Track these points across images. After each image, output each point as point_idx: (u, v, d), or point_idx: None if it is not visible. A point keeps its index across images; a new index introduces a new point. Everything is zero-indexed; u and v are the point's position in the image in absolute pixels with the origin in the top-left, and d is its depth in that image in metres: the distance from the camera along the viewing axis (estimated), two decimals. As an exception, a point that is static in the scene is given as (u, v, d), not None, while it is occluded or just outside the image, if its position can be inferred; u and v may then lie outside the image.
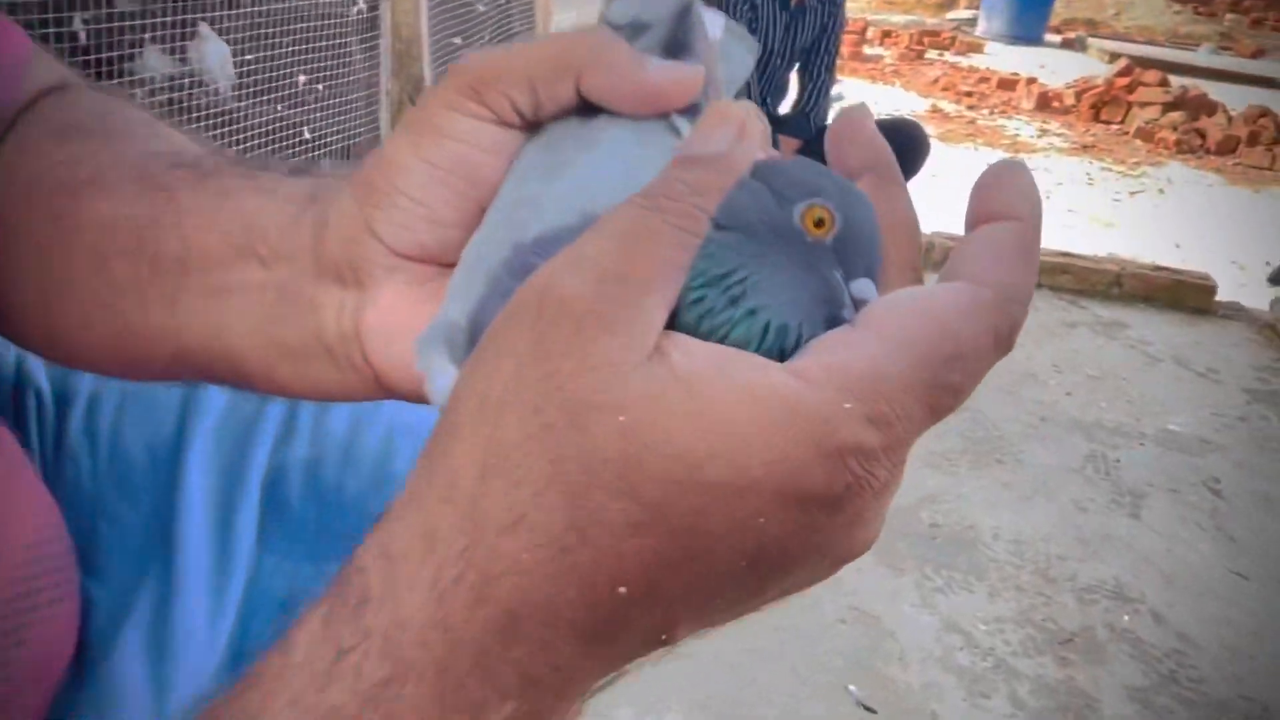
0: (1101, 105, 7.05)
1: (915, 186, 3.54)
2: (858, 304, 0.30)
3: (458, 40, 2.88)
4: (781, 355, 0.29)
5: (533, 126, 0.36)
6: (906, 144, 3.22)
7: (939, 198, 4.79)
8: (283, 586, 0.59)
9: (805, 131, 3.30)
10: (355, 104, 2.46)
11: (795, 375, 0.27)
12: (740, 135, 0.31)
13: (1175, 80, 7.29)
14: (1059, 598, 2.08)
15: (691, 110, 0.36)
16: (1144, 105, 6.92)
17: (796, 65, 3.34)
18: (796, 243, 0.30)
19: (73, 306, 0.40)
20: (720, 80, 0.41)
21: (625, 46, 0.35)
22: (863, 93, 6.77)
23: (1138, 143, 6.57)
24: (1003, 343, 0.29)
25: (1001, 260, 0.30)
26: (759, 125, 0.34)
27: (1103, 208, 5.11)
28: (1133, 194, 5.43)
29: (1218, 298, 3.69)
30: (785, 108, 3.48)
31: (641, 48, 0.36)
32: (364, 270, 0.36)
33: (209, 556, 0.59)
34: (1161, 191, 5.54)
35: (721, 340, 0.29)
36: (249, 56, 2.21)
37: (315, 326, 0.37)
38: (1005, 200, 0.31)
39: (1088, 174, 5.72)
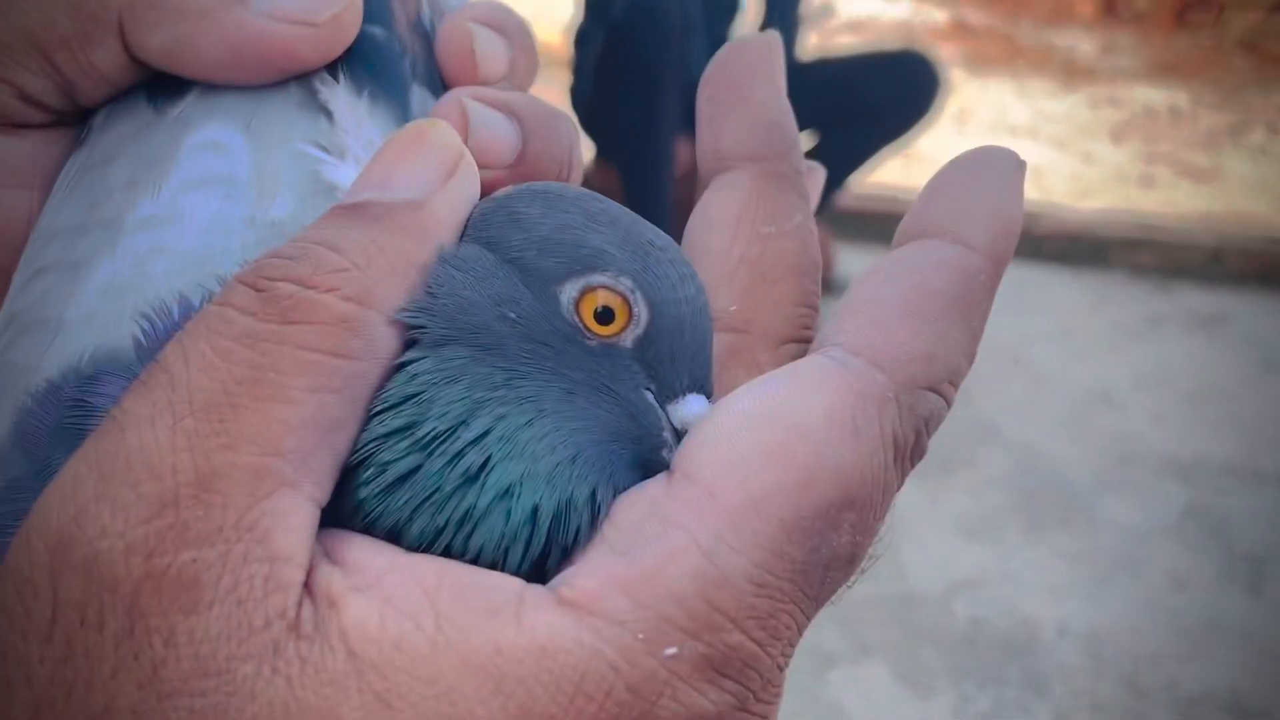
0: (1186, 7, 7.23)
1: (930, 139, 3.56)
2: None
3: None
4: (564, 554, 0.25)
5: (80, 117, 0.30)
6: (908, 85, 3.25)
7: (962, 149, 4.80)
8: None
9: (770, 66, 3.31)
10: None
11: (576, 610, 0.23)
12: (453, 172, 0.26)
13: (1284, -30, 7.50)
14: (1154, 716, 2.08)
15: (362, 58, 0.30)
16: (1244, 6, 7.10)
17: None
18: (570, 350, 0.26)
19: None
20: None
21: None
22: (856, 5, 6.84)
23: (1238, 59, 6.73)
24: (906, 453, 0.26)
25: (913, 316, 0.26)
26: (503, 135, 0.29)
27: (1194, 154, 5.21)
28: (1233, 132, 5.55)
29: (1354, 273, 3.77)
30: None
31: None
32: None
33: None
34: (1274, 129, 5.67)
35: (452, 550, 0.25)
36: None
37: None
38: (956, 210, 0.28)
39: (1171, 107, 5.84)
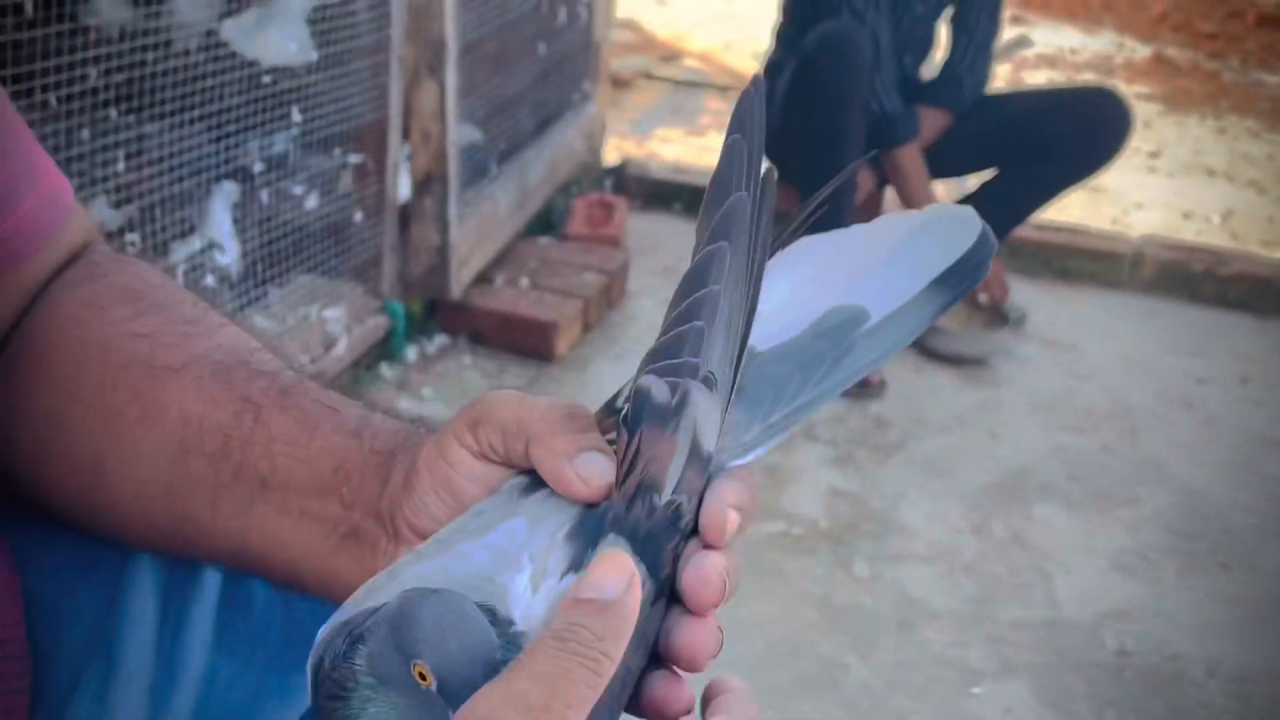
0: None
1: (1117, 174, 3.55)
2: None
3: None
4: None
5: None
6: (1096, 124, 3.21)
7: (1154, 188, 4.77)
8: (242, 700, 0.67)
9: (955, 101, 3.33)
10: (358, 75, 2.58)
11: None
12: (630, 585, 0.47)
13: None
14: (1297, 763, 2.08)
15: (640, 504, 0.51)
16: None
17: (947, 10, 3.39)
18: (417, 692, 0.47)
19: (130, 485, 0.63)
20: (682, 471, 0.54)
21: (574, 430, 0.54)
22: (1055, 37, 6.78)
23: None
24: None
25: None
26: (721, 589, 0.52)
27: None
28: None
29: None
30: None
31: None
32: (400, 529, 0.59)
33: (151, 658, 0.67)
34: None
35: None
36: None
37: (370, 563, 0.58)
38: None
39: (1385, 153, 5.63)
